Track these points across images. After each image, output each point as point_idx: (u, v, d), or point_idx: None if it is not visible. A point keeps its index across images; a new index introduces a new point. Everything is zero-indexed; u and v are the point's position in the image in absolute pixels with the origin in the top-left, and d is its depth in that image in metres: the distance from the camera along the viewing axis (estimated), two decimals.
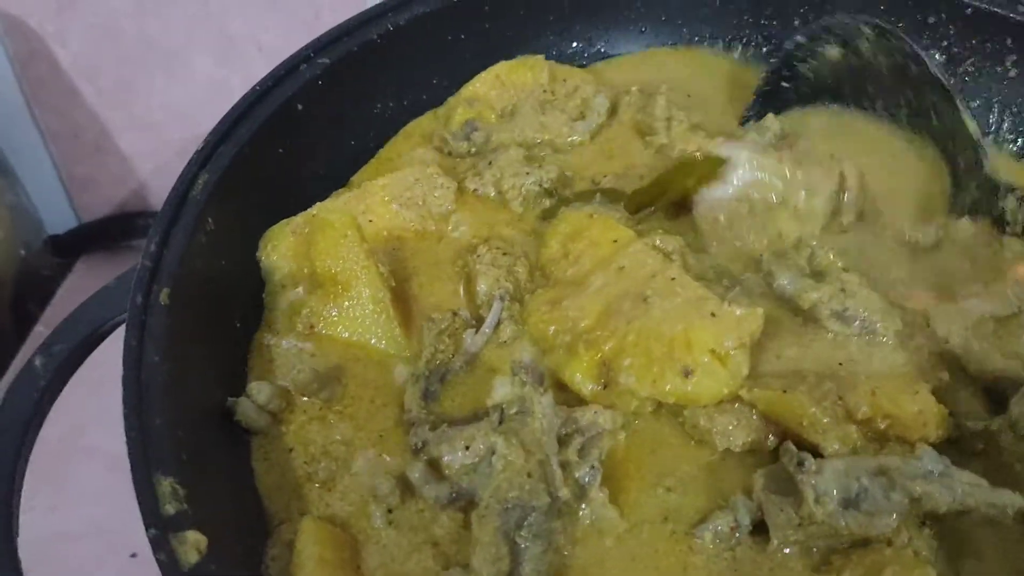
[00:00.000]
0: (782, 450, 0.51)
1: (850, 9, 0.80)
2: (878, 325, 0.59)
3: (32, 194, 1.10)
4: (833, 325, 0.59)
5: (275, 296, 0.64)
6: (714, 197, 0.66)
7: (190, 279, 0.56)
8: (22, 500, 0.53)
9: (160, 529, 0.44)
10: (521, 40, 0.82)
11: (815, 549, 0.51)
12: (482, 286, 0.63)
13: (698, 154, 0.68)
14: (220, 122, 0.64)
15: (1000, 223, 0.66)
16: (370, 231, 0.66)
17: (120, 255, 1.12)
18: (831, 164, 0.67)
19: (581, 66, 0.84)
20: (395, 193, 0.69)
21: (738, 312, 0.55)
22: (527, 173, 0.71)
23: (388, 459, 0.56)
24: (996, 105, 0.79)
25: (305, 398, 0.59)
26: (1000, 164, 0.74)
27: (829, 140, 0.74)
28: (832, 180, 0.66)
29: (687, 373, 0.54)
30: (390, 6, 0.76)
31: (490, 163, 0.72)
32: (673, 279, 0.59)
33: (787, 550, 0.50)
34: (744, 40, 0.85)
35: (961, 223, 0.67)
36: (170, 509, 0.45)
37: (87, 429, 0.91)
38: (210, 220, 0.60)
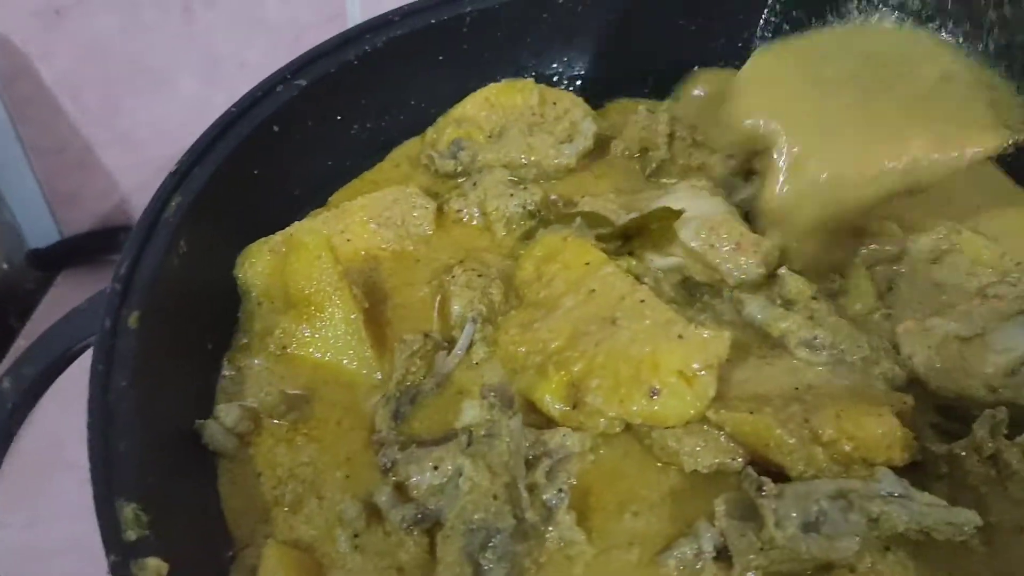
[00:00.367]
0: (742, 475, 0.52)
1: None
2: (845, 352, 0.59)
3: (14, 208, 1.10)
4: (801, 353, 0.59)
5: (251, 314, 0.65)
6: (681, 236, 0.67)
7: (161, 302, 0.56)
8: None
9: (121, 556, 0.44)
10: (500, 62, 0.83)
11: (778, 575, 0.51)
12: (456, 307, 0.64)
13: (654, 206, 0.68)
14: (195, 143, 0.65)
15: None
16: (347, 250, 0.67)
17: (101, 269, 1.11)
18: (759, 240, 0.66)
19: (562, 87, 0.85)
20: (373, 213, 0.70)
21: (705, 335, 0.56)
22: (511, 195, 0.71)
23: (355, 483, 0.56)
24: None
25: (273, 420, 0.59)
26: None
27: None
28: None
29: (653, 393, 0.55)
30: (368, 27, 0.76)
31: (475, 184, 0.73)
32: (642, 301, 0.59)
33: (750, 575, 0.51)
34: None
35: (921, 240, 0.67)
36: (132, 535, 0.45)
37: (65, 444, 0.90)
38: (183, 243, 0.60)
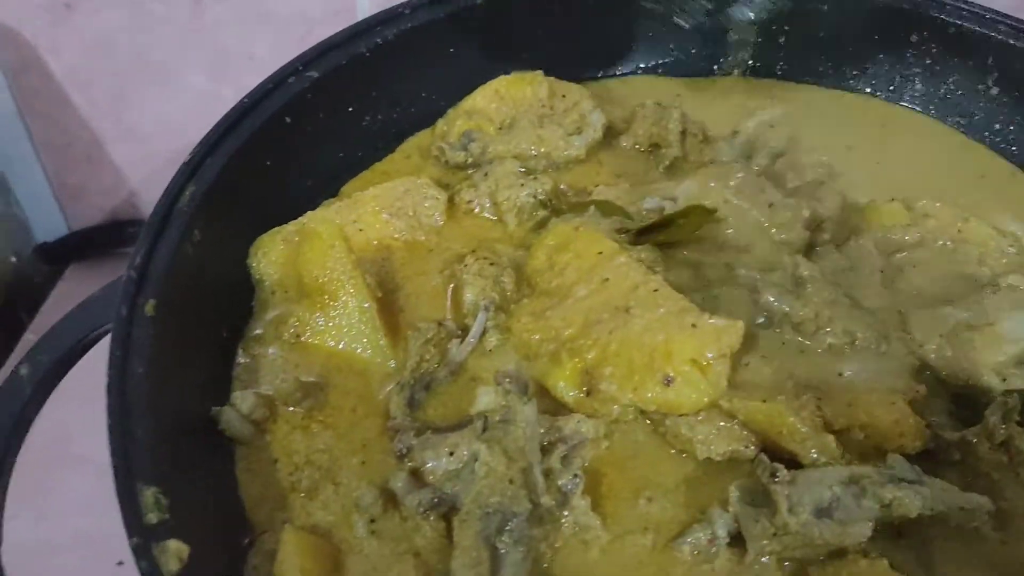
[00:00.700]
0: (756, 462, 0.52)
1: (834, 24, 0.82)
2: (860, 339, 0.60)
3: (23, 202, 1.10)
4: (817, 340, 0.60)
5: (265, 303, 0.65)
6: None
7: (176, 290, 0.57)
8: (7, 508, 0.54)
9: (142, 538, 0.45)
10: (510, 55, 0.83)
11: (788, 562, 0.51)
12: (468, 296, 0.64)
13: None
14: (208, 134, 0.65)
15: None
16: (360, 240, 0.67)
17: (110, 263, 1.12)
18: (798, 202, 0.68)
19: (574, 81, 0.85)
20: (385, 203, 0.70)
21: (718, 324, 0.56)
22: (522, 185, 0.72)
23: (371, 469, 0.56)
24: (978, 122, 0.81)
25: (289, 407, 0.60)
26: None
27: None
28: (800, 220, 0.67)
29: (668, 381, 0.55)
30: (379, 20, 0.77)
31: (486, 174, 0.73)
32: (656, 291, 0.59)
33: (764, 560, 0.51)
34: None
35: (930, 226, 0.68)
36: (152, 518, 0.46)
37: (74, 438, 0.91)
38: (196, 231, 0.60)
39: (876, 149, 0.78)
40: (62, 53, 0.97)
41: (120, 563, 0.86)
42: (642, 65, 0.88)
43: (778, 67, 0.86)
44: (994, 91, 0.80)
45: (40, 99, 1.01)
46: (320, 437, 0.58)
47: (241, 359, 0.62)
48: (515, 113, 0.78)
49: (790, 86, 0.85)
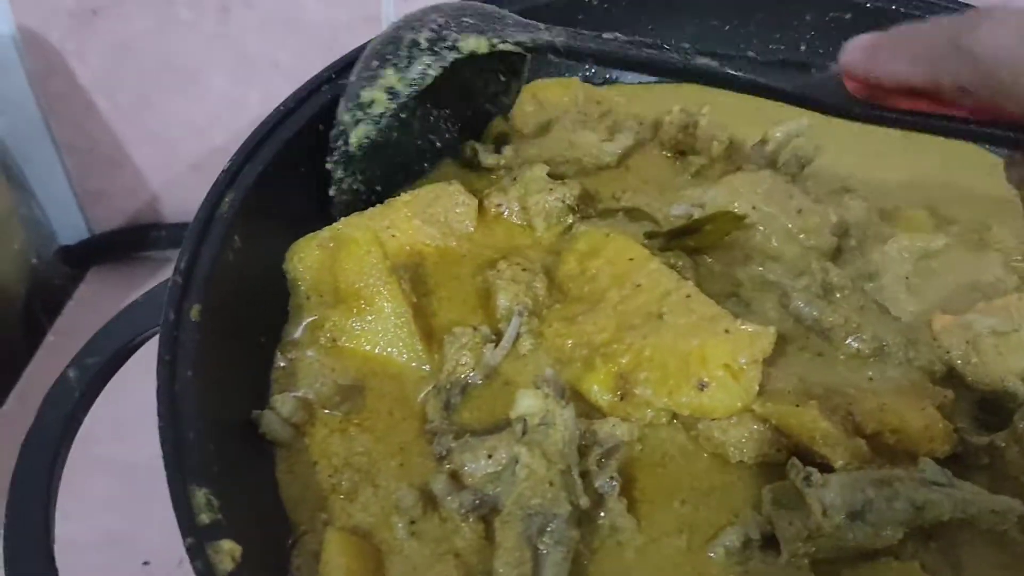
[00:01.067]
0: (789, 465, 0.53)
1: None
2: (888, 345, 0.61)
3: (45, 205, 1.11)
4: (847, 346, 0.61)
5: (300, 307, 0.66)
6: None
7: (219, 295, 0.58)
8: None
9: (197, 538, 0.46)
10: (533, 62, 0.84)
11: (821, 564, 0.52)
12: (502, 301, 0.65)
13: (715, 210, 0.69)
14: (245, 143, 0.66)
15: None
16: (393, 246, 0.68)
17: (131, 266, 1.13)
18: (825, 208, 0.69)
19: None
20: (417, 209, 0.71)
21: (751, 330, 0.58)
22: (551, 190, 0.73)
23: (409, 471, 0.58)
24: None
25: (326, 411, 0.61)
26: None
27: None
28: (827, 226, 0.68)
29: (702, 386, 0.56)
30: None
31: (515, 179, 0.74)
32: (688, 296, 0.61)
33: (797, 562, 0.52)
34: None
35: (954, 232, 0.69)
36: (205, 519, 0.47)
37: (99, 439, 0.91)
38: (236, 238, 0.61)
39: (902, 155, 0.79)
40: (88, 58, 0.98)
41: (146, 563, 0.87)
42: None
43: None
44: None
45: (64, 103, 1.02)
46: (358, 440, 0.59)
47: (279, 363, 0.63)
48: (550, 117, 0.79)
49: None
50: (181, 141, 1.05)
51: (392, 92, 0.66)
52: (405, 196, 0.72)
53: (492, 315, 0.66)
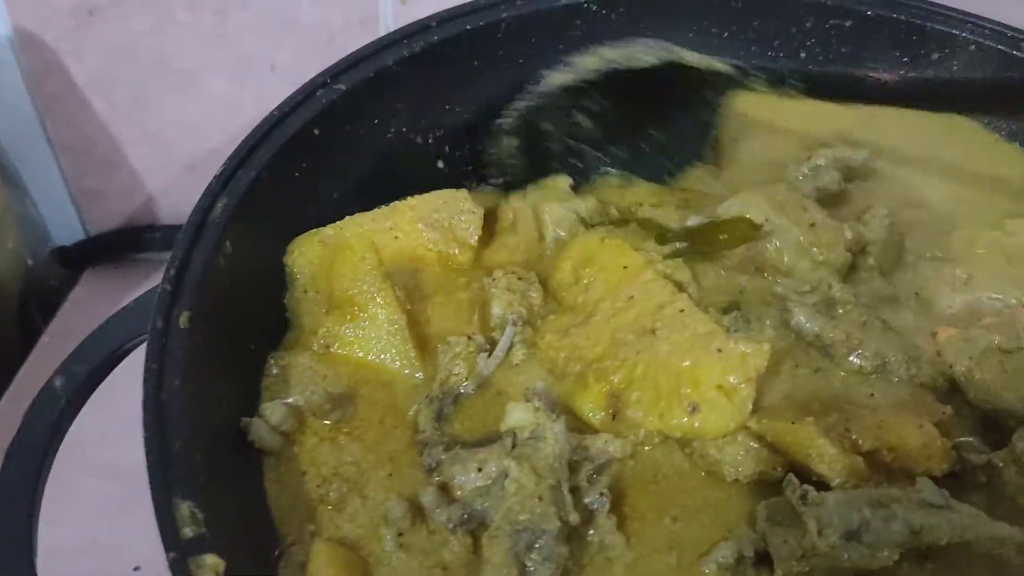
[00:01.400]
0: (785, 482, 0.53)
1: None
2: (891, 362, 0.60)
3: (40, 206, 1.10)
4: (849, 362, 0.60)
5: (298, 302, 0.66)
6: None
7: (209, 301, 0.57)
8: None
9: (180, 553, 0.45)
10: (534, 67, 0.84)
11: None
12: (496, 309, 0.65)
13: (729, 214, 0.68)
14: (239, 147, 0.66)
15: None
16: (394, 248, 0.68)
17: (126, 268, 1.12)
18: (840, 224, 0.67)
19: None
20: (422, 213, 0.71)
21: (744, 348, 0.57)
22: (566, 201, 0.73)
23: (398, 481, 0.57)
24: None
25: (318, 419, 0.60)
26: None
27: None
28: (841, 241, 0.66)
29: (694, 409, 0.55)
30: (407, 33, 0.77)
31: (535, 185, 0.74)
32: (682, 311, 0.60)
33: None
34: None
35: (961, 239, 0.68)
36: (189, 532, 0.46)
37: (89, 444, 0.90)
38: (228, 243, 0.61)
39: (971, 179, 0.76)
40: (84, 58, 0.98)
41: (137, 568, 0.86)
42: None
43: None
44: None
45: (61, 103, 1.01)
46: (348, 449, 0.59)
47: (272, 370, 0.62)
48: None
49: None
50: (177, 142, 1.05)
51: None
52: (412, 200, 0.72)
53: (486, 323, 0.65)
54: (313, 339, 0.63)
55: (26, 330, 1.06)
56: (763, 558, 0.52)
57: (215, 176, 0.63)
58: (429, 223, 0.70)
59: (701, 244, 0.66)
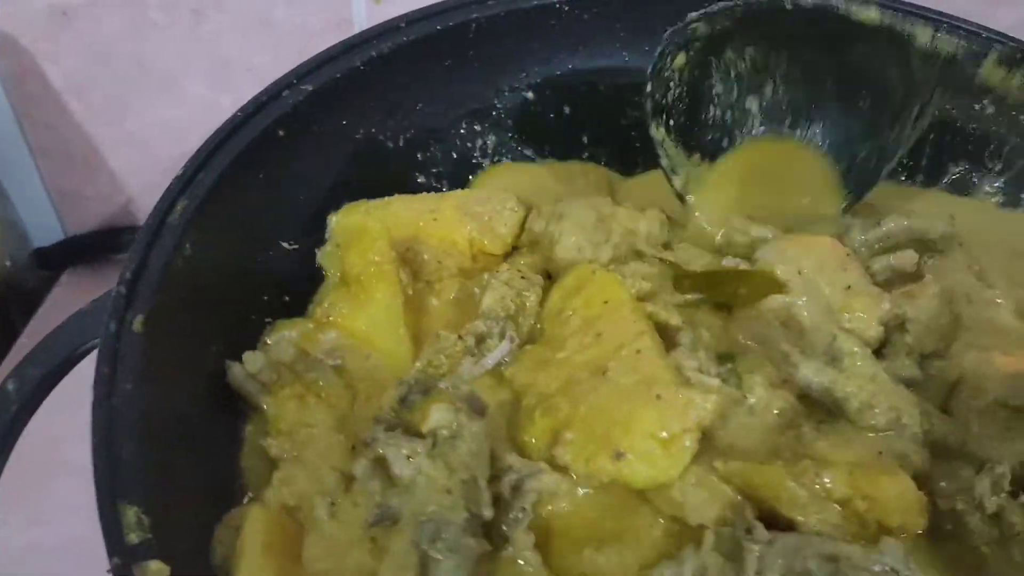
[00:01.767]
0: (736, 514, 0.50)
1: None
2: (903, 415, 0.55)
3: (19, 207, 1.10)
4: (861, 418, 0.55)
5: (328, 256, 0.70)
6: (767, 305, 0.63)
7: (166, 305, 0.57)
8: None
9: (123, 559, 0.45)
10: (507, 68, 0.83)
11: None
12: (487, 300, 0.64)
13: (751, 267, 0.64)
14: (200, 148, 0.65)
15: None
16: (431, 230, 0.71)
17: (106, 269, 1.12)
18: (881, 294, 0.61)
19: None
20: (466, 203, 0.73)
21: (686, 397, 0.53)
22: (597, 227, 0.69)
23: (344, 454, 0.57)
24: None
25: (292, 375, 0.62)
26: None
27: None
28: (876, 312, 0.60)
29: (618, 456, 0.52)
30: (375, 33, 0.77)
31: (562, 215, 0.71)
32: (638, 352, 0.56)
33: None
34: None
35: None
36: (134, 538, 0.46)
37: (66, 443, 0.90)
38: (188, 246, 0.60)
39: None
40: (61, 60, 0.98)
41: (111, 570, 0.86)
42: None
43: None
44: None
45: (38, 105, 1.01)
46: (313, 412, 0.60)
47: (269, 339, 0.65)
48: None
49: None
50: (156, 144, 1.04)
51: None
52: (459, 191, 0.75)
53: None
54: (318, 308, 0.66)
55: (5, 332, 1.06)
56: None
57: (175, 177, 0.63)
58: (470, 213, 0.72)
59: (717, 295, 0.63)
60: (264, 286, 0.67)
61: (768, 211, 0.70)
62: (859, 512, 0.51)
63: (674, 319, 0.61)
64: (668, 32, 0.68)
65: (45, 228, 1.12)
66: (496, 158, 0.84)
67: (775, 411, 0.56)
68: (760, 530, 0.48)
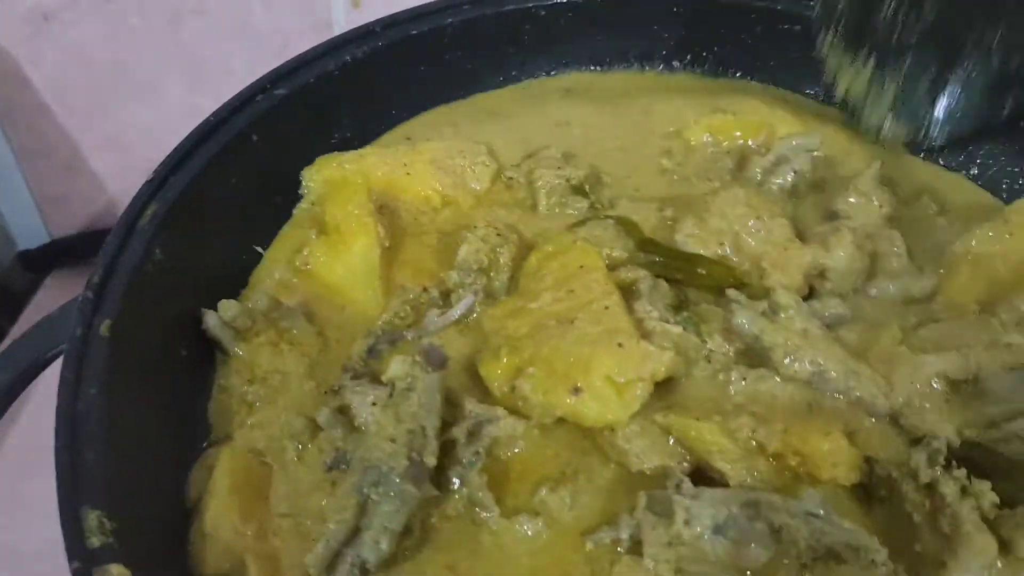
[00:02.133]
0: (666, 471, 0.53)
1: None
2: (826, 370, 0.58)
3: (3, 210, 1.11)
4: (785, 367, 0.59)
5: (303, 211, 0.72)
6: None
7: (134, 310, 0.57)
8: None
9: (83, 562, 0.45)
10: (480, 72, 0.84)
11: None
12: (462, 252, 0.66)
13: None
14: (171, 153, 0.66)
15: None
16: (404, 183, 0.72)
17: (89, 271, 1.12)
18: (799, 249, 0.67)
19: None
20: (439, 157, 0.74)
21: (646, 349, 0.57)
22: (559, 168, 0.74)
23: (315, 400, 0.59)
24: None
25: (266, 322, 0.63)
26: None
27: None
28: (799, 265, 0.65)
29: (576, 391, 0.56)
30: (350, 38, 0.77)
31: (530, 155, 0.76)
32: (606, 308, 0.60)
33: (661, 570, 0.50)
34: None
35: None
36: (95, 542, 0.46)
37: (46, 445, 0.91)
38: (158, 251, 0.61)
39: None
40: (41, 64, 0.98)
41: None
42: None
43: None
44: None
45: (19, 109, 1.01)
46: (286, 358, 0.62)
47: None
48: None
49: None
50: (138, 147, 1.05)
51: None
52: (433, 143, 0.76)
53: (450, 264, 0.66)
54: (296, 255, 0.68)
55: None
56: (639, 545, 0.51)
57: (145, 182, 0.63)
58: (443, 167, 0.73)
59: (676, 270, 0.66)
60: (236, 290, 0.67)
61: None
62: (790, 466, 0.54)
63: (634, 273, 0.65)
64: None
65: (30, 230, 1.12)
66: None
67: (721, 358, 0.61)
68: (687, 484, 0.51)
